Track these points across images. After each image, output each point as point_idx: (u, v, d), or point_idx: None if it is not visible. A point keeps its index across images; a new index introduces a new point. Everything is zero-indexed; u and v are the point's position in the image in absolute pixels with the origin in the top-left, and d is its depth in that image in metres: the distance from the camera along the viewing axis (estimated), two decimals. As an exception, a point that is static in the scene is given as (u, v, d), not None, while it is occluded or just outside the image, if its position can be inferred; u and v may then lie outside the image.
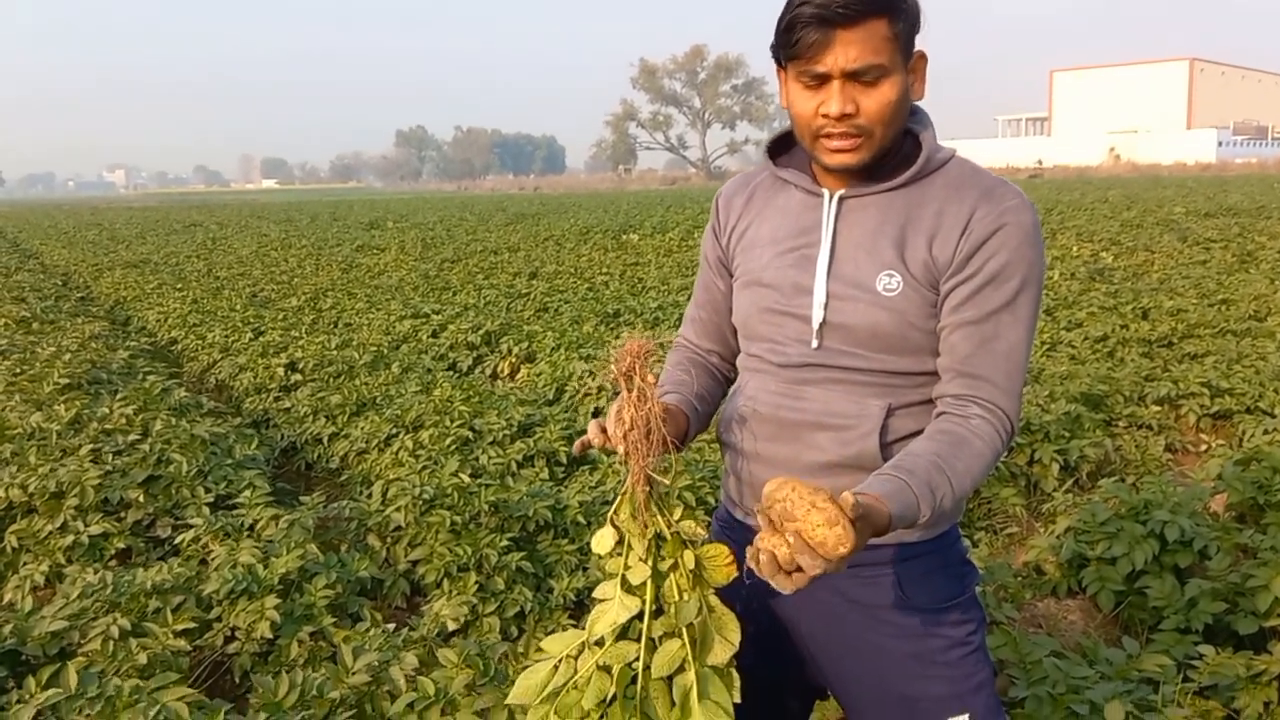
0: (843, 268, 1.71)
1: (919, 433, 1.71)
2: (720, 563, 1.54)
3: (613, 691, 1.50)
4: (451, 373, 7.80)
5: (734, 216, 1.89)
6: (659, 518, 1.53)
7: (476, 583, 3.78)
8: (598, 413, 6.31)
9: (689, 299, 2.17)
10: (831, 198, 1.74)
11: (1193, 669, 3.00)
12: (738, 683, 1.55)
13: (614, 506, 1.55)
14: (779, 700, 1.97)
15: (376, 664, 2.58)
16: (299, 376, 7.41)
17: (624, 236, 21.08)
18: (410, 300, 11.36)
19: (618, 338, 8.19)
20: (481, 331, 8.71)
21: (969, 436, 1.61)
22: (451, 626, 3.07)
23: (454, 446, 5.13)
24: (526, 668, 2.42)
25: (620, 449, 1.49)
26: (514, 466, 4.98)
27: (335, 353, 7.91)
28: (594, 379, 6.68)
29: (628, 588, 1.54)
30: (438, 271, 14.98)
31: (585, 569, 4.04)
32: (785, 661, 1.90)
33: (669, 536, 1.52)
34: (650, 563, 1.52)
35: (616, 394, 1.52)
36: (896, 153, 1.71)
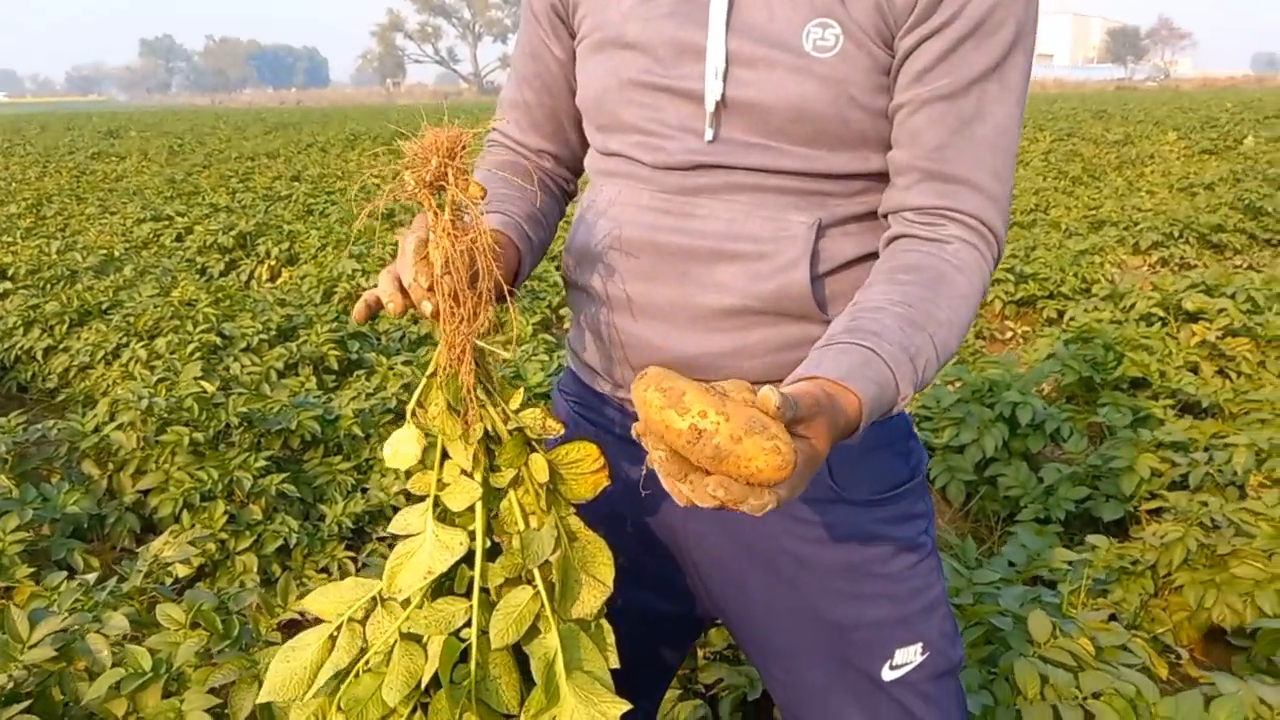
0: (750, 15, 1.10)
1: (860, 260, 1.15)
2: (586, 469, 0.97)
3: (429, 674, 0.89)
4: (200, 278, 6.77)
5: None
6: (491, 409, 0.95)
7: (226, 513, 3.03)
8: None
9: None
10: None
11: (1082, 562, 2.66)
12: (612, 641, 0.98)
13: (416, 396, 0.98)
14: (649, 643, 1.39)
15: (71, 629, 1.84)
16: (8, 284, 6.21)
17: (396, 143, 19.75)
18: (152, 204, 10.01)
19: (392, 229, 7.34)
20: (235, 233, 7.66)
21: (948, 271, 1.06)
22: (183, 572, 2.34)
23: (198, 354, 4.27)
24: (285, 621, 1.76)
25: (427, 307, 0.94)
26: (273, 375, 4.18)
27: (55, 257, 6.71)
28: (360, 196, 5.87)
29: (446, 517, 0.96)
30: (186, 176, 13.43)
31: (364, 490, 3.35)
32: (662, 591, 1.33)
33: (507, 436, 0.95)
34: (480, 477, 0.95)
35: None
36: None
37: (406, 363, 4.01)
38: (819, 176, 1.12)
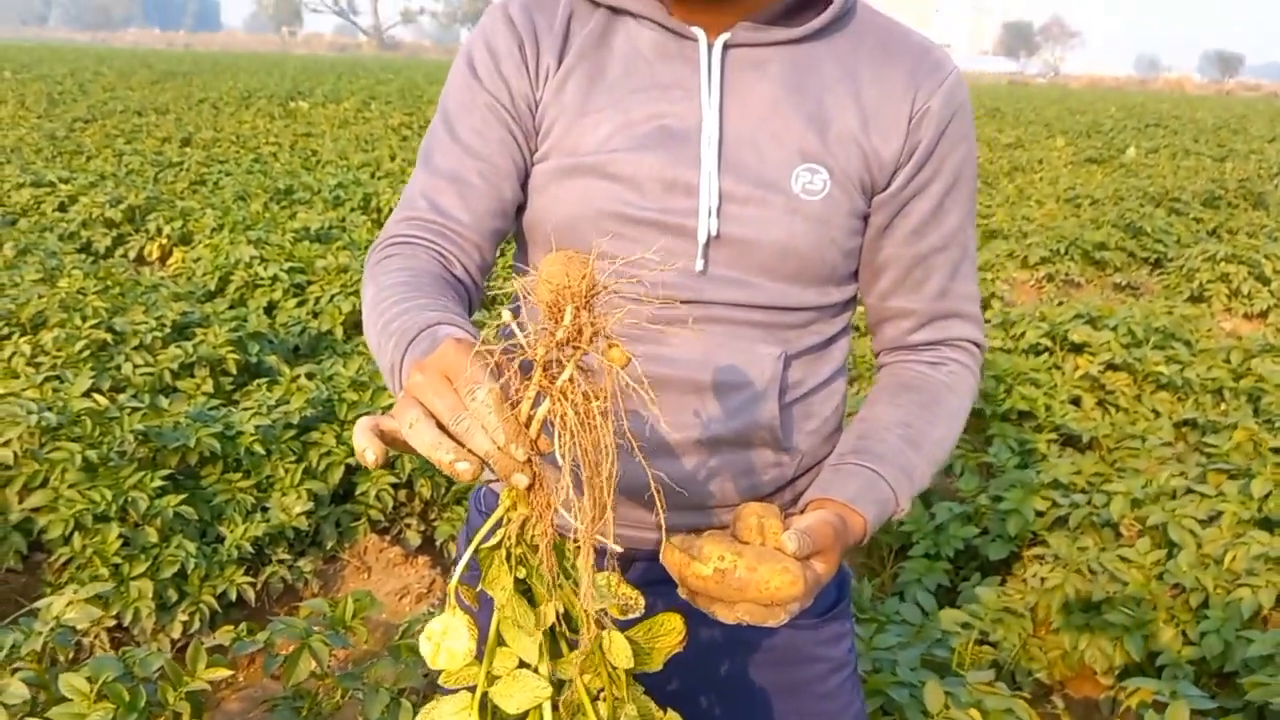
0: (739, 155, 1.14)
1: (816, 389, 1.23)
2: (668, 644, 0.89)
3: None
4: (84, 256, 6.50)
5: (551, 48, 1.18)
6: (567, 586, 0.83)
7: (120, 536, 2.96)
8: (271, 309, 5.41)
9: (390, 178, 1.32)
10: (711, 46, 1.14)
11: (955, 604, 2.78)
12: None
13: (458, 573, 0.82)
14: None
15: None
16: (-124, 256, 5.88)
17: (292, 104, 19.22)
18: (31, 165, 9.56)
19: (292, 217, 7.18)
20: (123, 206, 7.37)
21: (943, 394, 1.20)
22: (84, 626, 2.28)
23: (87, 353, 4.12)
24: (192, 691, 1.74)
25: (521, 480, 0.78)
26: (168, 378, 4.07)
27: (-74, 228, 6.38)
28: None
29: (494, 714, 0.83)
30: (68, 132, 12.83)
31: (265, 510, 3.30)
32: None
33: (584, 617, 0.82)
34: (546, 669, 0.83)
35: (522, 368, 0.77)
36: None
37: (310, 375, 3.94)
38: (785, 310, 1.17)
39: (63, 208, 7.67)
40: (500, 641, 0.83)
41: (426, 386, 0.81)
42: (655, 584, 1.07)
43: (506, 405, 0.77)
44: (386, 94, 21.86)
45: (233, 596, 3.02)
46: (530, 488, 0.79)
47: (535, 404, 0.77)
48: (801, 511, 1.10)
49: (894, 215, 1.18)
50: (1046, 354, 4.80)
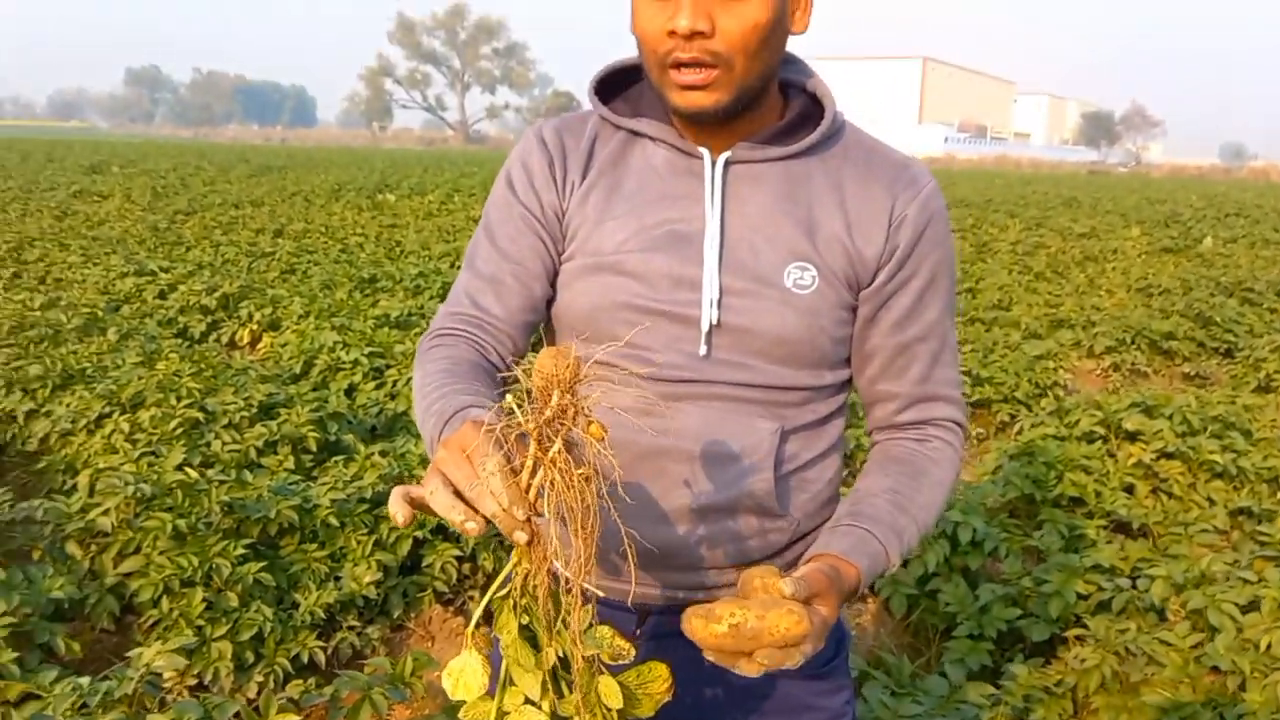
0: (738, 254, 1.33)
1: (811, 462, 1.38)
2: (655, 690, 1.03)
3: None
4: (181, 340, 6.92)
5: (577, 166, 1.40)
6: (565, 633, 0.97)
7: (204, 600, 3.19)
8: (351, 390, 5.70)
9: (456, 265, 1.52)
10: (714, 162, 1.34)
11: (997, 684, 2.86)
12: None
13: (475, 618, 0.99)
14: None
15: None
16: (-8, 340, 6.34)
17: (379, 196, 20.01)
18: (135, 255, 10.16)
19: (374, 305, 7.55)
20: (218, 294, 7.82)
21: (928, 466, 1.36)
22: (170, 678, 2.49)
23: (181, 430, 4.42)
24: (265, 733, 1.92)
25: (521, 537, 0.95)
26: (253, 454, 4.34)
27: (39, 314, 6.85)
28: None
29: None
30: (169, 224, 13.59)
31: (338, 579, 3.51)
32: None
33: (581, 662, 0.96)
34: (548, 706, 0.98)
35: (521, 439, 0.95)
36: (763, 102, 1.34)
37: (383, 453, 4.18)
38: (781, 389, 1.34)
39: (162, 295, 8.15)
40: (510, 681, 1.00)
41: (448, 460, 1.01)
42: (665, 637, 1.22)
43: (510, 473, 0.95)
44: (470, 186, 22.62)
45: (305, 659, 3.21)
46: (530, 543, 0.96)
47: (534, 473, 0.95)
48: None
49: (878, 308, 1.36)
50: (1100, 441, 4.85)
